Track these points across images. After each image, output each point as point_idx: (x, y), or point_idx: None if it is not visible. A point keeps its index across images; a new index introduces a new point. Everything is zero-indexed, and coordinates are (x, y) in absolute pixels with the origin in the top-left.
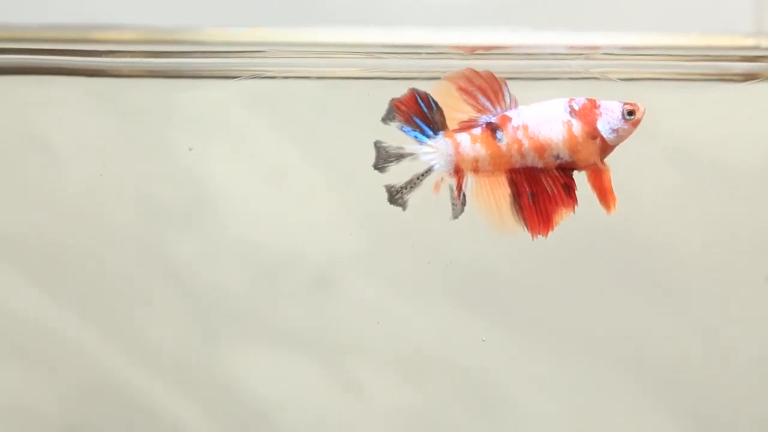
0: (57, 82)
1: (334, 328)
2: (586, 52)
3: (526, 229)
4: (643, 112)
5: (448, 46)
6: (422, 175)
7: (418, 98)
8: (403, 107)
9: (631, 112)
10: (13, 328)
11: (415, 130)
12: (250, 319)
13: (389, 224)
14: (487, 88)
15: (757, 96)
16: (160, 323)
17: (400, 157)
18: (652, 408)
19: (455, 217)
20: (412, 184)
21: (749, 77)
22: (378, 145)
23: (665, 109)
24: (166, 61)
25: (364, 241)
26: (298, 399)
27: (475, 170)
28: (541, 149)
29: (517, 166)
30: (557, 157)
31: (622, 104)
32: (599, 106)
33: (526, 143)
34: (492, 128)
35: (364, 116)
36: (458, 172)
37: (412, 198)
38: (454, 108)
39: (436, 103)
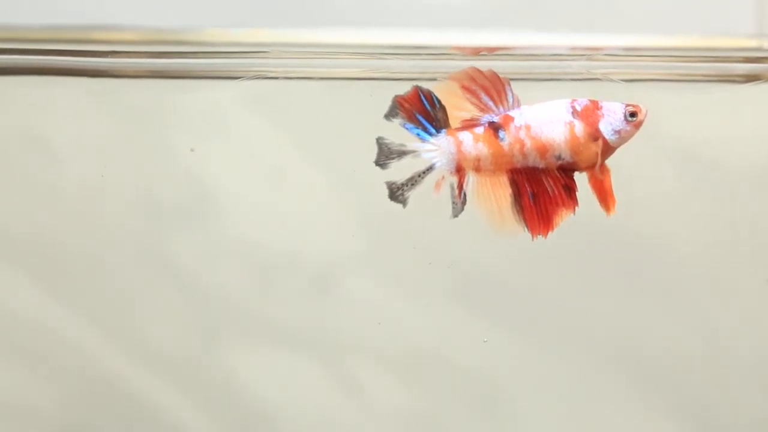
0: (58, 83)
1: (335, 328)
2: (588, 53)
3: (526, 229)
4: (646, 114)
5: (450, 47)
6: (424, 172)
7: (422, 96)
8: (406, 104)
9: (633, 114)
10: (13, 328)
11: (417, 128)
12: (250, 319)
13: (390, 224)
14: (490, 88)
15: (759, 97)
16: (160, 323)
17: (401, 154)
18: (653, 408)
19: (455, 215)
20: (413, 181)
21: (751, 78)
22: (380, 142)
23: (667, 110)
24: (167, 62)
25: (365, 241)
26: (298, 399)
27: (477, 169)
28: (543, 149)
29: (519, 165)
30: (559, 157)
31: (624, 106)
32: (601, 107)
33: (528, 143)
34: (494, 127)
35: (365, 117)
36: (460, 170)
37: (413, 195)
38: (457, 107)
39: (439, 101)
